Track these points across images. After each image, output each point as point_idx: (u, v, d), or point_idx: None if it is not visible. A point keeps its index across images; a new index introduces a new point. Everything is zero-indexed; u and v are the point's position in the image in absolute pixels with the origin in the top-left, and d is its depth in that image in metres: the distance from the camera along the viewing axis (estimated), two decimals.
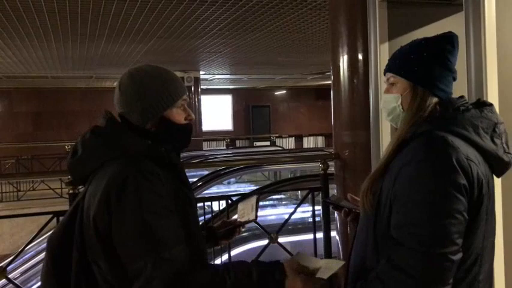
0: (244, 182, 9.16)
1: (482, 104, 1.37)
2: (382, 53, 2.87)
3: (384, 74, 1.45)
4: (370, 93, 2.97)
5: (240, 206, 1.74)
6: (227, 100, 18.50)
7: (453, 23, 2.97)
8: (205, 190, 6.12)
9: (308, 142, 18.07)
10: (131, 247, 1.25)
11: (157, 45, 8.22)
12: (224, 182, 7.39)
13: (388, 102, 1.42)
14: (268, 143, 16.47)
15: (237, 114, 18.55)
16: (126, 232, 1.25)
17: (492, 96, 2.13)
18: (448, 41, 1.37)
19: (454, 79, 1.38)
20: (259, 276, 1.23)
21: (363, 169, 3.64)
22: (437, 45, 1.37)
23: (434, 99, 1.35)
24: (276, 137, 17.15)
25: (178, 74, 11.81)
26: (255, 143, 16.84)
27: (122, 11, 5.92)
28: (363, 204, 1.37)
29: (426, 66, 1.35)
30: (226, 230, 1.70)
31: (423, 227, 1.19)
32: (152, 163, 1.35)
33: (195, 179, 6.60)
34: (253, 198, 1.69)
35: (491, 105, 1.37)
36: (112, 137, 1.39)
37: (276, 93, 18.97)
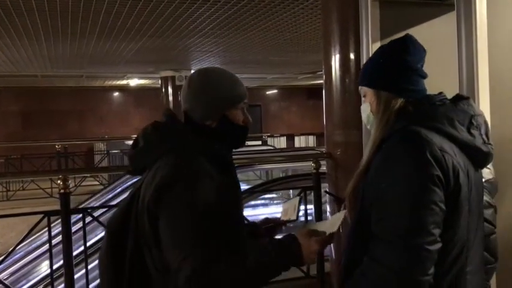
0: None
1: (459, 98, 1.40)
2: (372, 52, 2.88)
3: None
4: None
5: (284, 205, 1.81)
6: None
7: (444, 23, 2.99)
8: None
9: (299, 141, 18.10)
10: (170, 239, 1.34)
11: (149, 43, 8.18)
12: None
13: (363, 112, 1.49)
14: (259, 142, 16.48)
15: None
16: (167, 225, 1.35)
17: (483, 94, 2.15)
18: (401, 42, 1.41)
19: (422, 77, 1.41)
20: (277, 252, 1.34)
21: (354, 168, 3.65)
22: (390, 49, 1.43)
23: (400, 100, 1.37)
24: (268, 136, 17.13)
25: (170, 73, 11.90)
26: (246, 142, 16.77)
27: (114, 9, 5.88)
28: (348, 206, 1.42)
29: (383, 70, 1.41)
30: (268, 226, 1.77)
31: (399, 220, 1.22)
32: (205, 160, 1.42)
33: None
34: (296, 199, 1.77)
35: (468, 98, 1.40)
36: (170, 132, 1.49)
37: (267, 92, 18.97)
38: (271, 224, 1.76)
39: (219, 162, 1.46)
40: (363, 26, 2.91)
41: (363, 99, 1.49)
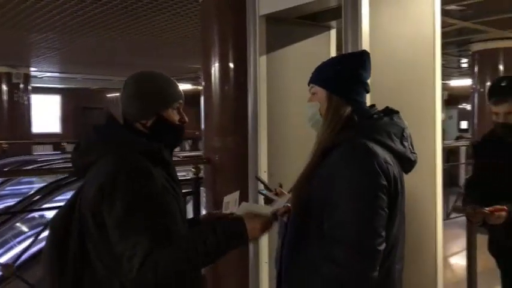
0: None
1: (391, 112, 1.58)
2: (260, 65, 3.07)
3: (308, 85, 1.63)
4: (248, 102, 3.13)
5: (226, 199, 1.83)
6: (55, 100, 17.20)
7: (320, 41, 3.34)
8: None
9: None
10: (117, 231, 1.42)
11: None
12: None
13: (309, 110, 1.60)
14: None
15: (67, 116, 17.37)
16: (113, 219, 1.42)
17: None
18: (360, 58, 1.59)
19: (367, 91, 1.59)
20: (223, 230, 1.42)
21: (232, 173, 3.82)
22: (350, 60, 1.59)
23: (348, 108, 1.52)
24: None
25: (5, 69, 10.73)
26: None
27: None
28: (294, 206, 1.52)
29: (340, 78, 1.55)
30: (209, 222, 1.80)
31: (355, 225, 1.36)
32: (143, 158, 1.49)
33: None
34: (237, 193, 1.80)
35: (397, 112, 1.59)
36: (109, 133, 1.56)
37: (110, 95, 18.24)
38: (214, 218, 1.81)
39: (155, 158, 1.54)
40: (251, 40, 3.07)
41: (310, 97, 1.61)
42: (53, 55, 9.14)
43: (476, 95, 7.68)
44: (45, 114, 16.68)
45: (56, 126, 17.17)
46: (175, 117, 1.63)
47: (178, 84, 1.73)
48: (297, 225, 1.54)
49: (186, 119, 1.66)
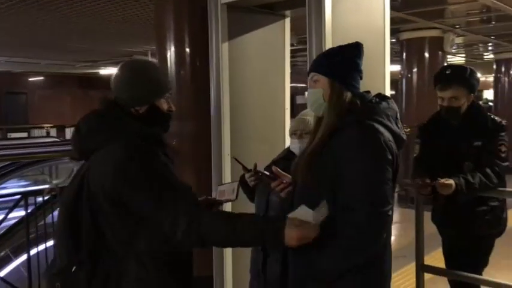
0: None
1: (384, 97, 1.77)
2: (223, 52, 3.16)
3: (308, 74, 1.80)
4: (211, 88, 3.21)
5: (221, 187, 1.99)
6: None
7: (276, 30, 3.50)
8: None
9: (71, 133, 17.11)
10: (150, 207, 1.52)
11: None
12: None
13: (312, 95, 1.77)
14: (25, 134, 15.49)
15: None
16: (147, 194, 1.52)
17: None
18: (356, 48, 1.77)
19: (361, 78, 1.78)
20: (263, 224, 1.53)
21: (190, 156, 3.91)
22: (348, 51, 1.77)
23: (349, 93, 1.72)
24: (34, 127, 15.94)
25: None
26: (9, 134, 15.42)
27: None
28: (304, 179, 1.69)
29: (340, 67, 1.74)
30: (205, 205, 1.92)
31: (370, 194, 1.57)
32: (146, 141, 1.60)
33: None
34: (235, 183, 1.95)
35: (390, 98, 1.80)
36: (112, 119, 1.64)
37: (33, 79, 17.34)
38: (209, 203, 1.95)
39: (157, 142, 1.67)
40: (213, 27, 3.15)
41: (312, 83, 1.77)
42: None
43: (404, 81, 8.19)
44: None
45: None
46: (165, 106, 1.74)
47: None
48: (307, 198, 1.66)
49: (174, 107, 1.77)
